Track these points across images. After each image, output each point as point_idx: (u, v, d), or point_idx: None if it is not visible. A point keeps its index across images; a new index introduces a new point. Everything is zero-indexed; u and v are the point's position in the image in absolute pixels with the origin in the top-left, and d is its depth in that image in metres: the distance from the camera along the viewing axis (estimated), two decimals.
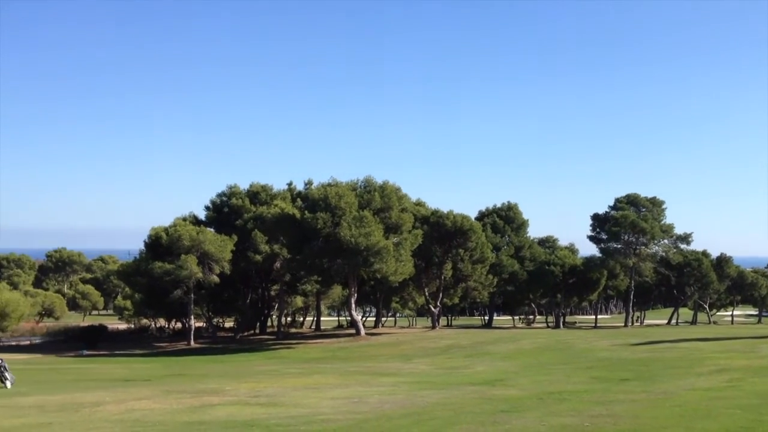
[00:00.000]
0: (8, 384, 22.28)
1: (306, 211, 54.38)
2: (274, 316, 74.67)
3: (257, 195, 68.78)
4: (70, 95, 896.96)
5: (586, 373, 26.57)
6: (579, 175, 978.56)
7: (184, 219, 66.40)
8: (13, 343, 64.03)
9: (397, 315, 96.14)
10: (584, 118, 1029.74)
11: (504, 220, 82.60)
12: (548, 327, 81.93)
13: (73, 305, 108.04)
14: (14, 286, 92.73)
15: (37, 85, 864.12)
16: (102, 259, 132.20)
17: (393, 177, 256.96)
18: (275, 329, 69.24)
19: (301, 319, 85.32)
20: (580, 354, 37.41)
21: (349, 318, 73.50)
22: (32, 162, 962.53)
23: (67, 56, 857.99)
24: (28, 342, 67.73)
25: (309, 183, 62.59)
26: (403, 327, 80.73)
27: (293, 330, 75.21)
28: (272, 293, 71.40)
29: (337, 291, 72.77)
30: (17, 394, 20.38)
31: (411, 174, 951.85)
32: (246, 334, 69.35)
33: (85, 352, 55.32)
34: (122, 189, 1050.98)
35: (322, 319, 79.11)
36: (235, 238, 61.66)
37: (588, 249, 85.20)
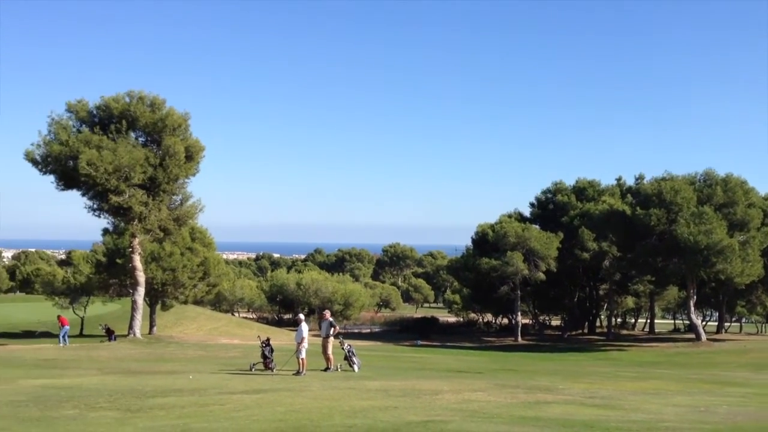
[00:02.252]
0: (356, 368, 23.98)
1: (637, 207, 52.68)
2: (603, 317, 72.54)
3: (584, 191, 67.33)
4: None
5: None
6: None
7: (509, 216, 67.36)
8: (356, 331, 70.15)
9: (743, 320, 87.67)
10: None
11: None
12: None
13: (406, 297, 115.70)
14: (356, 278, 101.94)
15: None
16: (431, 255, 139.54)
17: (737, 169, 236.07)
18: (604, 330, 67.23)
19: (633, 320, 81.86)
20: None
21: (686, 321, 68.93)
22: (368, 168, 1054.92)
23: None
24: (369, 330, 73.78)
25: (640, 178, 59.89)
26: (749, 334, 73.15)
27: (624, 332, 72.45)
28: (601, 292, 69.56)
29: (672, 292, 68.89)
30: (363, 377, 21.85)
31: (758, 166, 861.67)
32: (574, 333, 68.31)
33: (419, 342, 58.40)
34: (451, 187, 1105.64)
35: (656, 321, 75.03)
36: (560, 235, 61.09)
37: None
